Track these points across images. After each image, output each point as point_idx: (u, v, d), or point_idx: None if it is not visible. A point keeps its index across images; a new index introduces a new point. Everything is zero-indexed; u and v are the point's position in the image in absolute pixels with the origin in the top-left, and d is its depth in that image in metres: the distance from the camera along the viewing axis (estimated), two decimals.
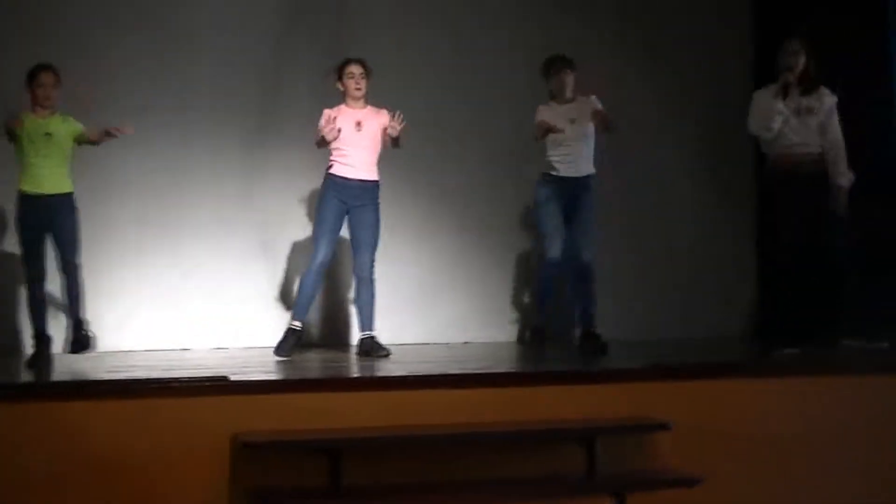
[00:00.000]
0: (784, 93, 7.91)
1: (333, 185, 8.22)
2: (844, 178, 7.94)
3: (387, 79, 9.23)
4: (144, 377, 6.95)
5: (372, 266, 8.27)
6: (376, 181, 8.30)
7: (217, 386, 6.37)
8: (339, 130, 8.09)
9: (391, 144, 8.24)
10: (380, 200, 8.28)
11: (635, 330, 9.37)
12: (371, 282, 8.28)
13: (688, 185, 10.01)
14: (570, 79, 8.49)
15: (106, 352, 8.27)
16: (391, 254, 9.27)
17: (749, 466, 6.80)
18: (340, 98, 8.29)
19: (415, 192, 9.47)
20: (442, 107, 9.57)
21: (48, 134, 7.83)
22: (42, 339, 7.88)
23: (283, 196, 9.28)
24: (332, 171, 8.25)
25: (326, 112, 8.19)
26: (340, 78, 8.29)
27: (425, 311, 9.54)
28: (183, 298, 9.11)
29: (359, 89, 8.26)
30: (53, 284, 8.05)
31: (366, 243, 8.26)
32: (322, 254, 8.19)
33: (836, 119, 7.96)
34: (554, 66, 8.51)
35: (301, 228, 9.18)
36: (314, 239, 8.24)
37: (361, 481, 6.15)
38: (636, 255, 9.82)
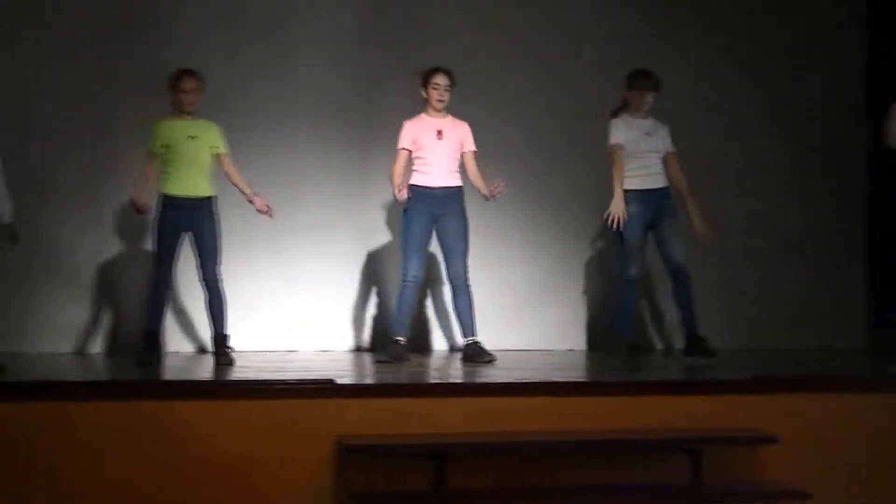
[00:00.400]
0: None
1: (418, 195, 8.21)
2: None
3: (489, 85, 9.29)
4: (252, 378, 7.04)
5: (466, 272, 8.26)
6: (460, 187, 8.29)
7: (324, 389, 6.41)
8: (407, 191, 8.13)
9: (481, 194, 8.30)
10: (465, 206, 8.28)
11: (744, 339, 9.31)
12: (467, 288, 8.26)
13: (797, 192, 9.88)
14: (650, 99, 8.38)
15: (199, 354, 8.37)
16: (495, 260, 9.32)
17: (859, 483, 6.68)
18: (421, 105, 8.31)
19: (519, 199, 9.43)
20: (544, 115, 9.55)
21: (191, 137, 7.95)
22: (154, 339, 7.99)
23: (385, 201, 9.31)
24: (414, 182, 8.25)
25: (403, 133, 8.22)
26: (425, 86, 8.27)
27: (528, 317, 9.52)
28: (289, 302, 9.19)
29: (441, 101, 8.25)
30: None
31: (457, 251, 8.25)
32: (414, 268, 8.19)
33: None
34: (640, 82, 8.35)
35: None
36: (404, 254, 8.24)
37: (465, 486, 6.14)
38: (746, 263, 9.73)
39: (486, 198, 8.28)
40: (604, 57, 9.58)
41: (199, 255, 7.98)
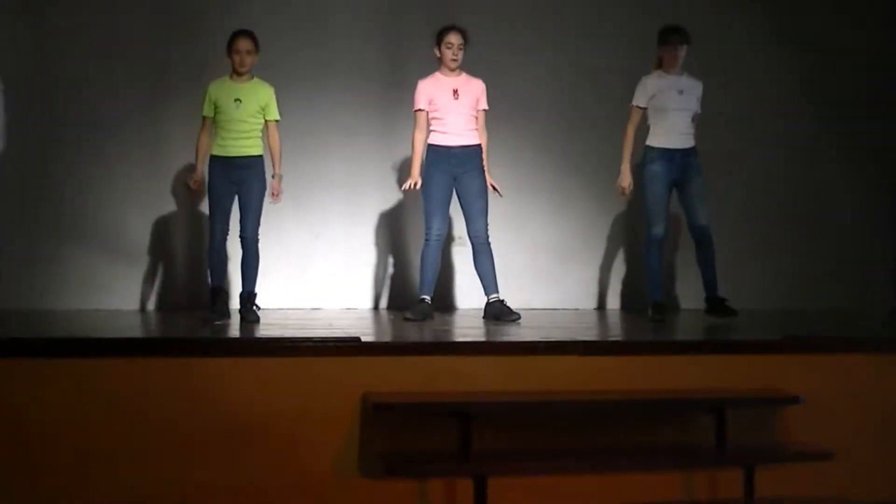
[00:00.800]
0: None
1: (437, 155, 8.23)
2: None
3: (515, 45, 9.28)
4: (277, 336, 7.07)
5: (486, 231, 8.27)
6: (478, 145, 8.29)
7: (349, 347, 6.42)
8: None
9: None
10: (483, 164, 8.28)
11: (770, 300, 9.34)
12: (489, 246, 8.27)
13: (826, 160, 9.88)
14: (682, 53, 8.35)
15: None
16: (524, 219, 9.35)
17: (881, 443, 6.67)
18: (436, 64, 8.29)
19: (548, 160, 9.49)
20: (572, 75, 9.55)
21: (238, 100, 7.99)
22: (220, 294, 8.07)
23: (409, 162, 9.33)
24: (433, 141, 8.26)
25: (418, 94, 8.24)
26: (438, 45, 8.26)
27: (557, 276, 9.55)
28: (314, 259, 9.23)
29: (455, 60, 8.24)
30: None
31: (478, 209, 8.26)
32: (437, 227, 8.22)
33: None
34: (671, 36, 8.34)
35: None
36: (426, 213, 8.26)
37: (491, 446, 6.16)
38: (773, 227, 9.74)
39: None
40: (630, 19, 9.57)
41: (241, 213, 8.04)
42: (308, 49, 9.30)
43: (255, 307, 7.99)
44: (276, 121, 8.13)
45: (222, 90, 8.03)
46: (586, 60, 9.58)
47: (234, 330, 7.53)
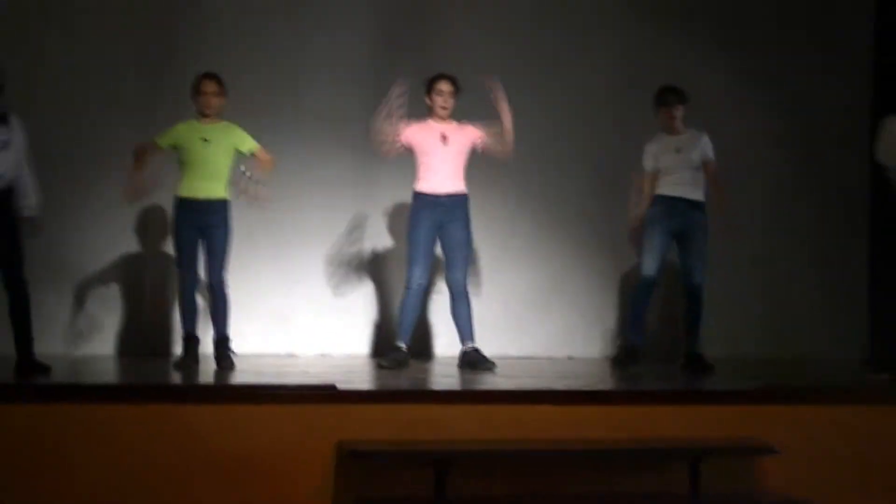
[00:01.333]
0: None
1: (423, 202, 8.21)
2: None
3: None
4: (253, 383, 7.05)
5: (466, 280, 8.26)
6: (465, 194, 8.27)
7: (325, 394, 6.41)
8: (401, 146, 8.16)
9: (496, 144, 8.21)
10: (470, 214, 8.26)
11: (744, 349, 9.38)
12: (466, 295, 8.25)
13: (801, 207, 9.92)
14: (679, 113, 8.47)
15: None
16: (501, 268, 9.37)
17: (857, 493, 6.70)
18: (426, 112, 8.29)
19: (525, 208, 9.50)
20: (549, 126, 9.57)
21: (205, 140, 7.96)
22: (191, 341, 8.02)
23: (389, 209, 9.34)
24: (419, 188, 8.25)
25: (406, 129, 8.17)
26: (429, 92, 8.26)
27: (531, 324, 9.54)
28: (291, 306, 9.21)
29: (444, 108, 8.23)
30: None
31: (459, 259, 8.24)
32: (419, 275, 8.18)
33: None
34: (666, 97, 8.46)
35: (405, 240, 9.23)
36: (410, 259, 8.23)
37: (466, 493, 6.17)
38: (749, 275, 9.77)
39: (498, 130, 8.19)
40: (611, 66, 9.64)
41: (208, 256, 8.00)
42: (286, 97, 9.28)
43: (230, 352, 7.96)
44: (258, 149, 8.05)
45: (187, 131, 7.99)
46: (565, 113, 9.61)
47: (209, 376, 7.49)
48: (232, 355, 7.95)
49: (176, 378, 7.39)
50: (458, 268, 8.24)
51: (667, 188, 8.44)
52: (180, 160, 7.99)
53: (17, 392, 6.39)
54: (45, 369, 7.20)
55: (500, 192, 9.43)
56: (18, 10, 8.97)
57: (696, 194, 8.46)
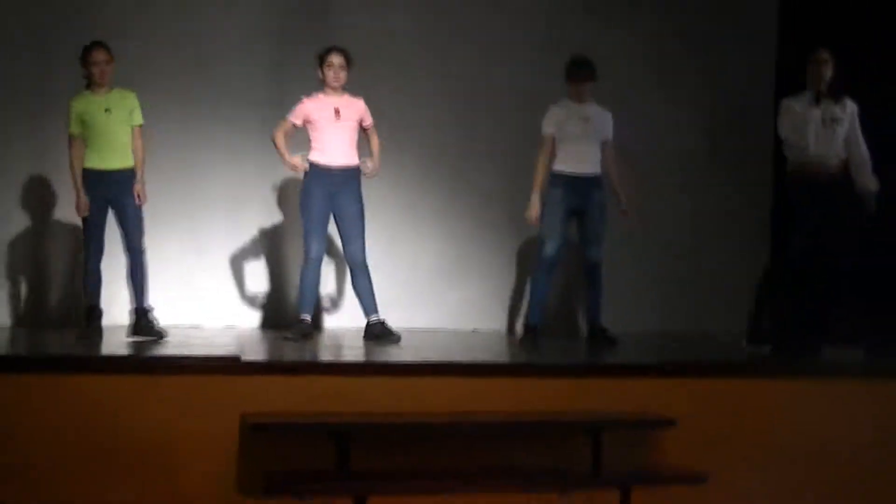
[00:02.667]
0: (816, 102, 7.93)
1: (316, 174, 8.20)
2: (872, 183, 7.98)
3: (404, 68, 9.33)
4: (157, 354, 7.01)
5: (364, 253, 8.25)
6: (357, 167, 8.27)
7: (229, 365, 6.40)
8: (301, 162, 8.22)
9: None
10: (361, 187, 8.27)
11: (644, 323, 9.48)
12: (366, 267, 8.25)
13: (705, 188, 10.04)
14: (589, 86, 8.46)
15: (119, 326, 8.29)
16: (406, 239, 9.40)
17: (754, 466, 6.82)
18: (319, 86, 8.28)
19: (431, 181, 9.53)
20: (458, 98, 9.61)
21: (108, 110, 7.88)
22: (94, 313, 7.94)
23: (293, 179, 9.32)
24: (313, 159, 8.23)
25: (298, 107, 8.22)
26: (320, 66, 8.24)
27: (436, 296, 9.59)
28: (195, 277, 9.17)
29: (336, 80, 8.22)
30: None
31: (354, 234, 8.23)
32: (315, 247, 8.18)
33: (858, 127, 7.99)
34: (575, 72, 8.43)
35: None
36: (305, 232, 8.21)
37: (369, 465, 6.18)
38: (649, 249, 9.87)
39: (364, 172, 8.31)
40: (525, 39, 9.68)
41: (122, 227, 7.93)
42: (190, 68, 9.22)
43: (153, 320, 7.92)
44: (140, 125, 8.00)
45: (88, 104, 7.89)
46: (475, 80, 9.63)
47: (112, 347, 7.43)
48: (157, 323, 7.91)
49: (78, 349, 7.31)
50: (355, 242, 8.23)
51: (569, 163, 8.37)
52: (85, 134, 7.89)
53: None
54: None
55: (408, 160, 9.46)
56: None
57: (597, 169, 8.46)
